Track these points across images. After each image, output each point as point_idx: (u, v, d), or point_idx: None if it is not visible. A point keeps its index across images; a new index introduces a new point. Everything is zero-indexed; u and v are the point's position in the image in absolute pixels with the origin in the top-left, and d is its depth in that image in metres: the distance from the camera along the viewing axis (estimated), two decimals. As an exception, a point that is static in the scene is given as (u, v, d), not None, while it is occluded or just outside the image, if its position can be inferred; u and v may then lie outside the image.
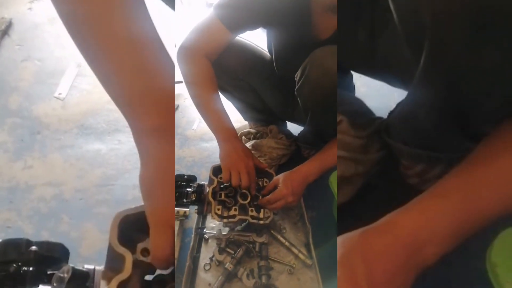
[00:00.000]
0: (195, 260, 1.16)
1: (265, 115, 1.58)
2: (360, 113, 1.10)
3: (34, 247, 0.63)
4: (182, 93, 2.12)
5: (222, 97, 1.47)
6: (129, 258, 0.58)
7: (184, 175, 1.24)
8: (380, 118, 1.10)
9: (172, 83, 0.56)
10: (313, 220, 1.29)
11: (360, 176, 1.04)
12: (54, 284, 0.59)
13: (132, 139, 0.56)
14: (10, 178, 1.50)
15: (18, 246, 0.63)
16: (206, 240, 1.24)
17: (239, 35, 1.30)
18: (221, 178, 1.24)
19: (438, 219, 0.57)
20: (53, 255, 0.66)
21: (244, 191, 1.22)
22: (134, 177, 1.57)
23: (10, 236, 0.70)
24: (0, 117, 1.74)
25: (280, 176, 1.22)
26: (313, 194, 1.37)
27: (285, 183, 1.19)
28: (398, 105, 0.97)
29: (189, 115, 2.02)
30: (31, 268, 0.61)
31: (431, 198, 0.61)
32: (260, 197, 1.23)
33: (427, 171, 0.95)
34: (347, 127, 1.02)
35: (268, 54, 1.42)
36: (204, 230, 1.26)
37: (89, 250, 1.27)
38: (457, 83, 0.64)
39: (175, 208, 1.17)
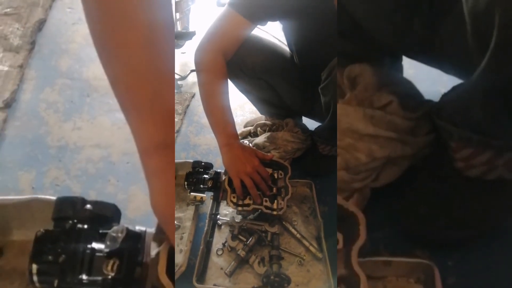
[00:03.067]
0: (208, 244, 1.20)
1: (281, 110, 1.54)
2: (411, 95, 1.07)
3: (88, 206, 0.65)
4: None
5: (236, 91, 1.47)
6: (180, 223, 0.60)
7: (201, 162, 1.26)
8: (430, 101, 1.08)
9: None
10: (325, 214, 1.28)
11: (407, 159, 1.02)
12: (108, 243, 0.60)
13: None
14: (59, 138, 1.56)
15: (73, 204, 0.65)
16: (220, 226, 1.26)
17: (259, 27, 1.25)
18: None
19: None
20: (106, 214, 0.68)
21: None
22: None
23: (59, 194, 0.71)
24: (51, 78, 1.80)
25: None
26: (325, 188, 1.38)
27: None
28: (454, 88, 0.94)
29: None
30: (85, 226, 0.63)
31: None
32: (274, 189, 1.21)
33: (474, 156, 0.93)
34: (397, 108, 1.00)
35: (287, 47, 1.37)
36: (218, 217, 1.28)
37: (135, 213, 1.30)
38: None
39: (192, 194, 1.21)
